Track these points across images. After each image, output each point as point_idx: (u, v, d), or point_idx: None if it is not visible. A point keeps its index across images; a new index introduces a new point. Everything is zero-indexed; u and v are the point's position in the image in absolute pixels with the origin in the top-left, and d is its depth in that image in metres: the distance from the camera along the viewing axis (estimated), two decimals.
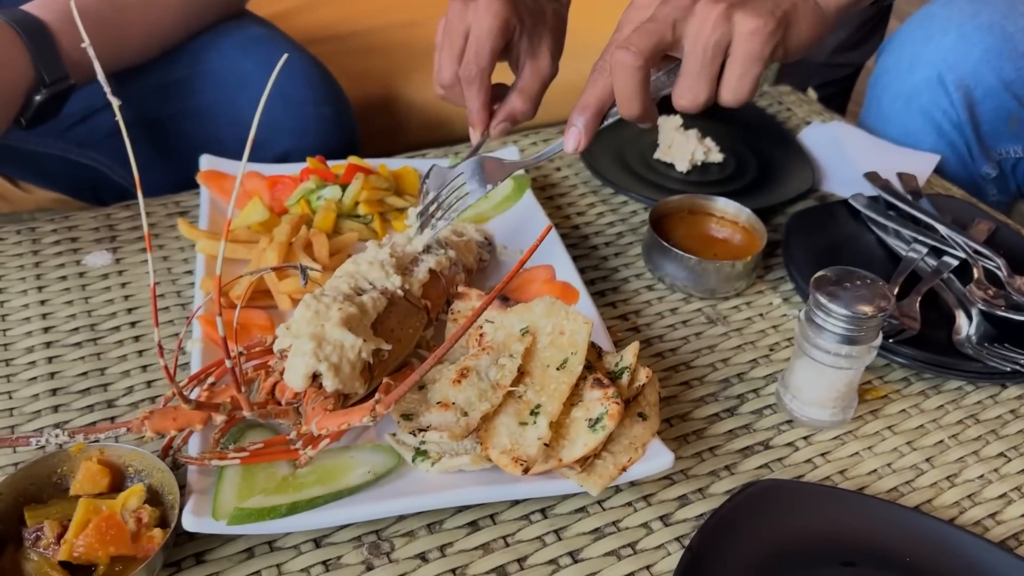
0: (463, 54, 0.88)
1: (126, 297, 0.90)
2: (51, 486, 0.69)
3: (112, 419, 0.78)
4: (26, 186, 1.32)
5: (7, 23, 0.92)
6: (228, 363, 0.66)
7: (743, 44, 0.71)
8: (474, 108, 0.89)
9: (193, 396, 0.73)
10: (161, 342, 0.61)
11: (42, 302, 0.89)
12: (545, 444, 0.69)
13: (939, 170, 1.22)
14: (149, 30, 1.09)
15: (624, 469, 0.71)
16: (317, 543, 0.69)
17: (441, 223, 0.86)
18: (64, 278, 0.92)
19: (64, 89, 0.96)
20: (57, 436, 0.65)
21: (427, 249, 0.85)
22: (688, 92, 0.74)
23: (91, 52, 0.59)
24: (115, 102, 0.60)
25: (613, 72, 0.73)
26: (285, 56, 0.63)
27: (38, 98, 0.94)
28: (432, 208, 0.86)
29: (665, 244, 0.96)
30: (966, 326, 0.92)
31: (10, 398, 0.79)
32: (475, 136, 0.90)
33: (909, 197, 1.09)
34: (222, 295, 0.83)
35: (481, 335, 0.77)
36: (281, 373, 0.73)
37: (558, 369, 0.74)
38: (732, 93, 0.73)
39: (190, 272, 0.93)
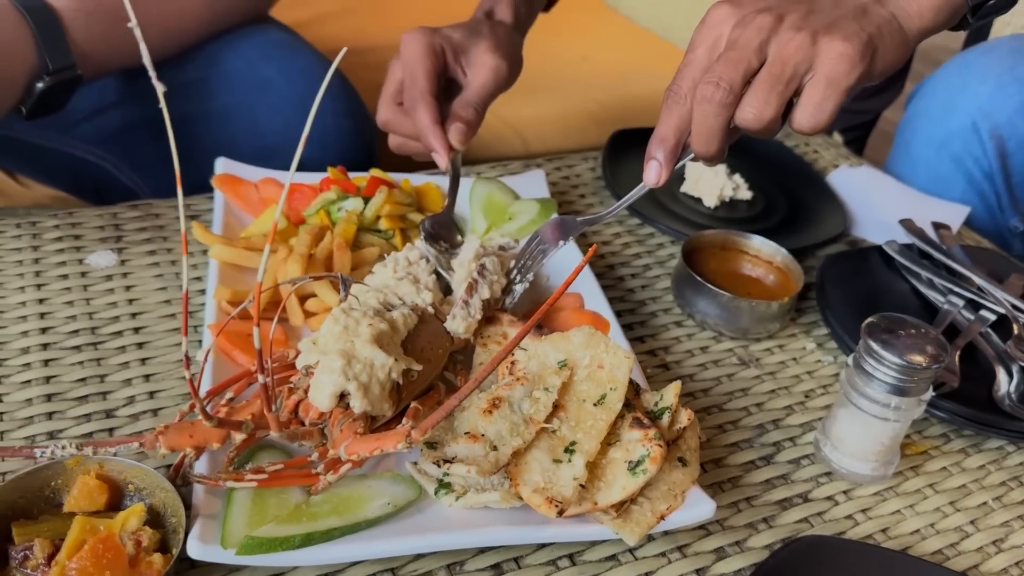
0: (397, 94, 0.93)
1: (130, 301, 0.85)
2: (43, 500, 0.63)
3: (111, 431, 0.72)
4: (25, 181, 1.27)
5: (12, 5, 0.87)
6: (261, 379, 0.60)
7: (828, 66, 0.66)
8: (425, 127, 0.89)
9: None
10: (188, 352, 0.56)
11: (40, 301, 0.84)
12: (581, 485, 0.65)
13: (966, 220, 1.20)
14: (168, 27, 1.04)
15: (663, 517, 0.66)
16: None
17: (518, 287, 0.85)
18: (65, 277, 0.87)
19: (70, 79, 0.91)
20: (64, 448, 0.59)
21: (481, 271, 0.81)
22: (755, 106, 0.67)
23: (137, 33, 0.54)
24: (160, 88, 0.55)
25: (697, 106, 0.68)
26: (344, 50, 0.58)
27: (40, 86, 0.89)
28: (514, 270, 0.86)
29: (698, 279, 0.92)
30: (1006, 383, 0.88)
31: (0, 401, 0.74)
32: (441, 160, 0.90)
33: (944, 247, 1.06)
34: (232, 305, 0.79)
35: (513, 363, 0.73)
36: (305, 391, 0.68)
37: (595, 405, 0.69)
38: (810, 118, 0.67)
39: (199, 279, 0.88)
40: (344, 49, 0.57)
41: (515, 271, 0.85)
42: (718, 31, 0.72)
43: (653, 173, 0.74)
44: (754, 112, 0.68)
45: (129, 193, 1.15)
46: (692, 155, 0.74)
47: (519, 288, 0.84)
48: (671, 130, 0.73)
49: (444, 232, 0.90)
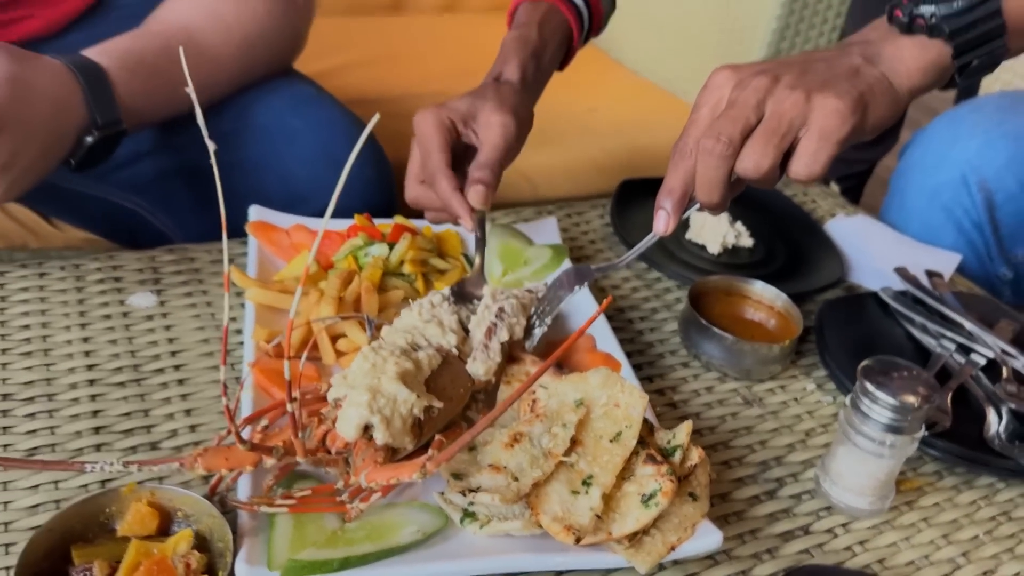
0: (420, 172, 0.98)
1: (170, 340, 0.90)
2: (98, 526, 0.68)
3: None
4: (58, 223, 1.32)
5: (65, 65, 0.94)
6: (289, 407, 0.66)
7: (822, 120, 0.72)
8: (447, 196, 0.94)
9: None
10: (225, 382, 0.62)
11: (85, 339, 0.89)
12: (597, 515, 0.70)
13: (958, 268, 1.25)
14: (202, 82, 1.11)
15: (673, 548, 0.71)
16: None
17: (538, 331, 0.90)
18: (108, 317, 0.93)
19: (116, 133, 0.97)
20: (112, 464, 0.64)
21: (500, 315, 0.86)
22: (753, 157, 0.74)
23: (191, 92, 0.60)
24: (211, 146, 0.61)
25: (700, 158, 0.75)
26: (376, 116, 0.64)
27: (89, 140, 0.95)
28: (534, 315, 0.91)
29: (704, 322, 0.98)
30: (996, 423, 0.93)
31: (52, 433, 0.79)
32: (467, 223, 0.94)
33: (936, 293, 1.11)
34: (270, 343, 0.84)
35: (534, 401, 0.78)
36: (333, 422, 0.73)
37: (611, 441, 0.74)
38: (806, 167, 0.73)
39: (234, 319, 0.94)
40: (376, 116, 0.63)
41: (534, 316, 0.90)
42: (719, 93, 0.79)
43: (662, 222, 0.80)
44: (753, 162, 0.74)
45: (161, 237, 1.21)
46: (698, 205, 0.80)
47: (538, 332, 0.90)
48: (678, 182, 0.79)
49: (476, 292, 0.95)
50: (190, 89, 0.62)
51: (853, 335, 1.04)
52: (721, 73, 0.80)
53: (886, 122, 0.78)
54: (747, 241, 1.21)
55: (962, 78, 0.82)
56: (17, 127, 0.86)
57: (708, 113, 0.79)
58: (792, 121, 0.74)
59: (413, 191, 0.99)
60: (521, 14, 1.09)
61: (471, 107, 0.98)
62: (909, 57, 0.79)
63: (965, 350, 1.03)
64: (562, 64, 1.16)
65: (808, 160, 0.74)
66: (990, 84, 1.57)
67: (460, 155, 0.98)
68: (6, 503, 0.72)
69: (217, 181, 0.66)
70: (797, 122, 0.74)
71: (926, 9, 0.78)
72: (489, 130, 0.96)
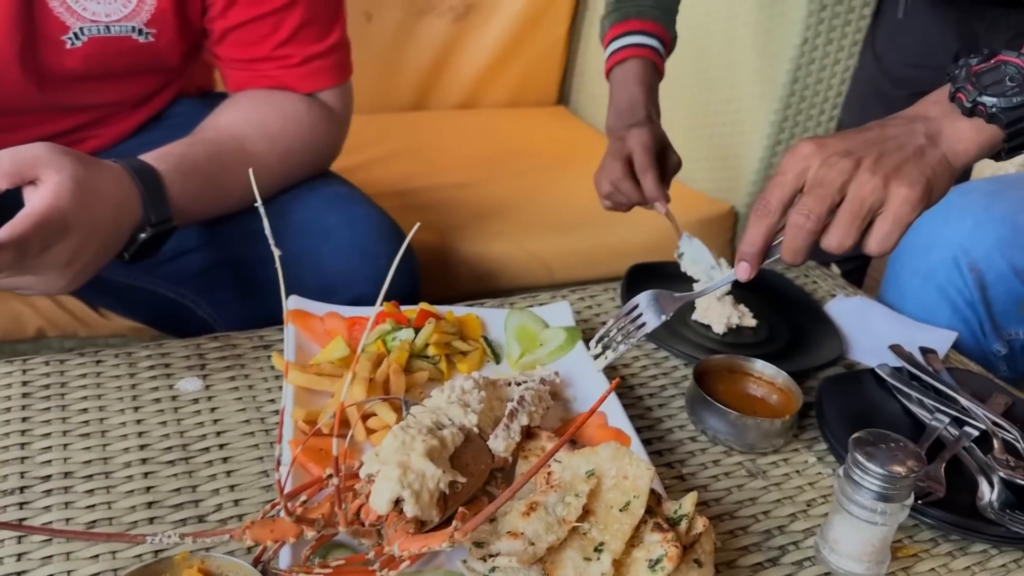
0: (612, 173, 1.31)
1: (215, 421, 0.98)
2: None
3: None
4: (105, 312, 1.42)
5: (124, 168, 1.05)
6: (335, 480, 0.74)
7: (896, 207, 0.86)
8: (650, 187, 1.29)
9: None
10: (280, 459, 0.69)
11: (138, 421, 0.97)
12: None
13: (954, 344, 1.31)
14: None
15: None
16: None
17: (622, 347, 1.01)
18: (158, 400, 1.01)
19: (167, 230, 1.07)
20: (170, 537, 0.72)
21: (520, 402, 0.93)
22: (837, 237, 0.88)
23: (262, 212, 0.70)
24: (277, 252, 0.71)
25: (790, 229, 0.89)
26: (417, 225, 0.73)
27: (143, 236, 1.05)
28: (612, 334, 1.02)
29: (708, 398, 1.04)
30: (988, 492, 0.99)
31: (109, 508, 0.86)
32: (661, 208, 1.31)
33: (931, 369, 1.18)
34: (308, 423, 0.92)
35: (549, 474, 0.84)
36: (367, 496, 0.80)
37: (621, 511, 0.80)
38: (879, 245, 0.88)
39: (272, 401, 1.02)
40: (417, 225, 0.72)
41: (615, 331, 1.03)
42: (805, 163, 0.91)
43: (744, 271, 0.94)
44: (837, 240, 0.88)
45: (203, 325, 1.30)
46: (774, 258, 0.93)
47: (622, 347, 1.03)
48: (759, 237, 0.92)
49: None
50: (261, 210, 0.73)
51: (852, 410, 1.10)
52: (807, 145, 0.92)
53: (943, 196, 0.92)
54: (750, 321, 1.28)
55: (1006, 155, 0.94)
56: (82, 227, 0.95)
57: (793, 179, 0.91)
58: (872, 205, 0.87)
59: (606, 187, 1.33)
60: (636, 71, 1.40)
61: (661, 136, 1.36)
62: (967, 138, 0.91)
63: (959, 423, 1.09)
64: None
65: (882, 240, 0.88)
66: (981, 170, 1.65)
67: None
68: (70, 571, 0.79)
69: (281, 286, 0.74)
70: (876, 205, 0.87)
71: (988, 100, 0.89)
72: (669, 164, 1.35)
